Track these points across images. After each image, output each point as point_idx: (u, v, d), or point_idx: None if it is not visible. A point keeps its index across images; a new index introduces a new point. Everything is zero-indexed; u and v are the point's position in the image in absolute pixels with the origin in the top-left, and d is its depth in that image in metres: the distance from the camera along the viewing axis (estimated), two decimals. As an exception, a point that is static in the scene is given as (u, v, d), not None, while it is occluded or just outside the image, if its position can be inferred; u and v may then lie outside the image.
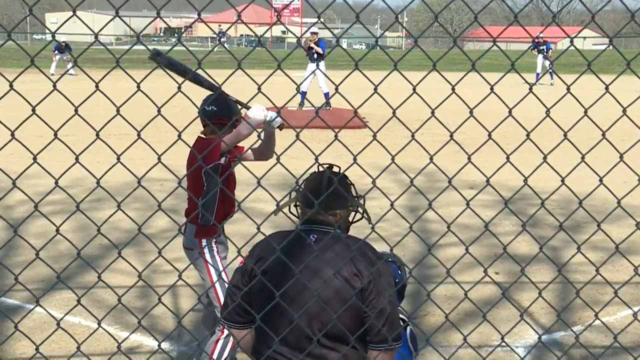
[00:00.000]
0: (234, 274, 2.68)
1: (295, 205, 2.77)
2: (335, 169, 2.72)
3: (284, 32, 74.45)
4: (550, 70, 26.62)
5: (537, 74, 27.72)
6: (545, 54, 28.20)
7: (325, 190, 2.56)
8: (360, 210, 2.73)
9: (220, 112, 4.33)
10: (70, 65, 27.83)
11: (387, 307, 2.49)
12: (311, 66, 18.79)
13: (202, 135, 4.40)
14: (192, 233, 4.34)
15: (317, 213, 2.60)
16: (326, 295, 2.45)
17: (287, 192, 2.74)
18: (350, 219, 2.75)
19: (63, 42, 29.05)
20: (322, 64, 17.97)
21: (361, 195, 2.71)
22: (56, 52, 29.42)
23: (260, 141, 4.44)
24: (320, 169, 2.60)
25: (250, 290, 2.57)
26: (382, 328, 2.47)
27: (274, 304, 2.40)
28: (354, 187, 2.72)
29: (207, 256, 4.34)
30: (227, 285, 4.44)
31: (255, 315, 2.46)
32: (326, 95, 18.12)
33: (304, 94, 18.27)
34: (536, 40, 28.55)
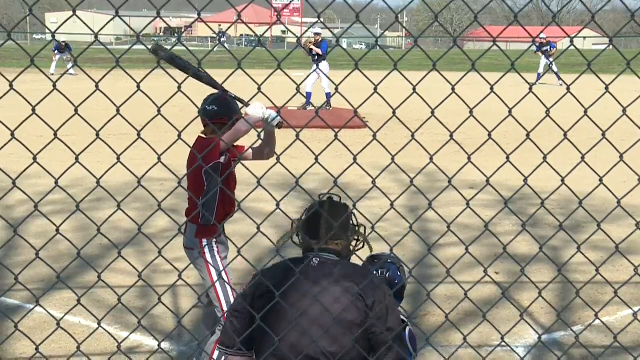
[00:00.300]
0: (236, 298, 2.69)
1: (297, 233, 2.82)
2: (336, 197, 2.78)
3: (284, 32, 74.42)
4: (555, 71, 26.41)
5: (539, 74, 27.43)
6: (548, 53, 27.76)
7: (326, 222, 2.64)
8: (362, 238, 2.80)
9: (221, 111, 4.33)
10: (70, 65, 27.76)
11: (396, 325, 2.56)
12: (314, 67, 18.75)
13: (203, 135, 4.40)
14: (193, 233, 4.34)
15: (318, 242, 2.67)
16: (329, 318, 2.48)
17: (285, 231, 2.80)
18: (353, 244, 2.81)
19: (63, 42, 29.03)
20: (324, 64, 17.89)
21: (362, 223, 2.77)
22: (56, 52, 29.40)
23: (260, 141, 4.45)
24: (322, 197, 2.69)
25: (252, 314, 2.55)
26: (393, 345, 2.51)
27: (278, 326, 2.44)
28: (355, 215, 2.76)
29: (208, 256, 4.34)
30: (227, 291, 4.48)
31: (255, 340, 2.49)
32: (327, 95, 18.07)
33: (309, 95, 18.18)
34: (538, 42, 28.25)
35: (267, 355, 2.47)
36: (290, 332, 2.47)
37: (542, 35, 28.10)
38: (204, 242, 4.35)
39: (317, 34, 18.37)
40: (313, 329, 2.47)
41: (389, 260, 3.50)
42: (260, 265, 6.49)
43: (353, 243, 2.78)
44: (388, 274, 3.49)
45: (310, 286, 2.52)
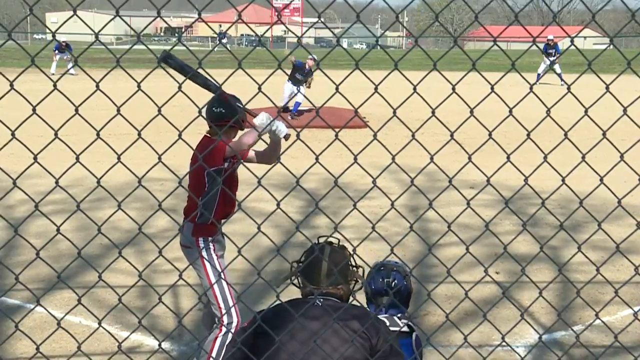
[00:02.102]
0: (237, 332, 2.74)
1: (297, 277, 2.90)
2: (334, 242, 2.87)
3: (284, 32, 74.41)
4: (558, 72, 26.06)
5: (538, 75, 26.98)
6: (554, 56, 26.81)
7: (327, 272, 2.81)
8: (360, 281, 2.94)
9: (228, 114, 4.33)
10: (70, 65, 27.72)
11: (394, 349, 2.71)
12: (291, 87, 18.03)
13: (208, 135, 4.40)
14: (190, 231, 4.34)
15: (319, 288, 2.79)
16: (337, 358, 2.57)
17: (286, 275, 2.88)
18: (352, 287, 2.95)
19: (63, 41, 28.99)
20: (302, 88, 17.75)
21: (360, 266, 2.91)
22: (56, 51, 29.38)
23: (265, 145, 4.45)
24: (321, 241, 2.78)
25: (252, 350, 2.62)
26: None
27: None
28: (353, 258, 2.83)
29: (204, 254, 4.35)
30: (224, 289, 4.50)
31: None
32: (297, 104, 17.91)
33: (297, 104, 17.93)
34: (546, 42, 27.26)
35: None
36: None
37: (549, 37, 27.32)
38: (201, 240, 4.36)
39: (312, 59, 17.94)
40: None
41: (394, 269, 3.53)
42: (260, 264, 6.49)
43: (352, 287, 2.89)
44: (394, 282, 3.51)
45: (317, 327, 2.61)
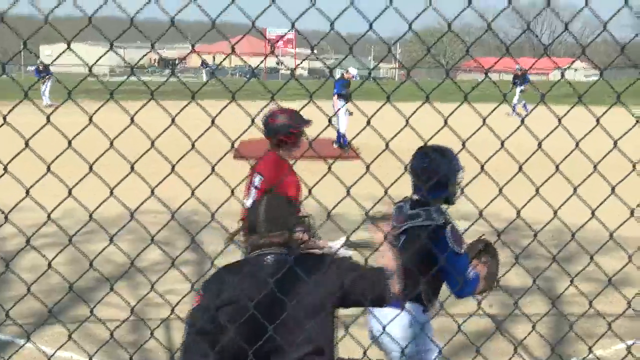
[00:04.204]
0: (192, 315, 2.57)
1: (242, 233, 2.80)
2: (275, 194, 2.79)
3: (278, 63, 74.98)
4: (514, 103, 26.01)
5: (514, 105, 26.56)
6: (521, 86, 26.72)
7: (264, 214, 2.60)
8: (305, 228, 2.79)
9: (292, 124, 4.14)
10: (45, 89, 25.07)
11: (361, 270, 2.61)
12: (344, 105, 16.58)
13: (274, 151, 4.22)
14: None
15: (261, 237, 2.62)
16: (309, 311, 2.48)
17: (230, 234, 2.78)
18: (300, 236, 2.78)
19: (41, 63, 26.27)
20: (340, 103, 16.46)
21: (306, 215, 2.76)
22: (39, 77, 25.54)
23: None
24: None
25: (219, 329, 2.48)
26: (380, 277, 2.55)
27: (256, 334, 2.39)
28: (298, 207, 2.76)
29: None
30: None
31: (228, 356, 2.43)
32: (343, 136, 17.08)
33: (342, 133, 16.82)
34: (514, 73, 27.38)
35: None
36: (276, 336, 2.42)
37: (518, 67, 27.17)
38: None
39: (352, 76, 17.10)
40: (297, 329, 2.44)
41: (435, 149, 3.43)
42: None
43: (300, 235, 2.74)
44: (432, 163, 3.41)
45: (288, 285, 2.49)
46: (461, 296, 3.38)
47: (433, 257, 3.18)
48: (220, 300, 2.49)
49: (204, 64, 62.40)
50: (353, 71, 17.51)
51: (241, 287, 2.47)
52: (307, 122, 4.11)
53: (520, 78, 26.95)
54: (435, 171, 3.44)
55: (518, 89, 26.94)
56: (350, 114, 16.08)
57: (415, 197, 3.55)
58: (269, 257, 2.60)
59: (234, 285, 2.49)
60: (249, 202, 4.10)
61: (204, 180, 3.28)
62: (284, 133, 4.23)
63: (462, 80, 57.41)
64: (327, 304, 2.53)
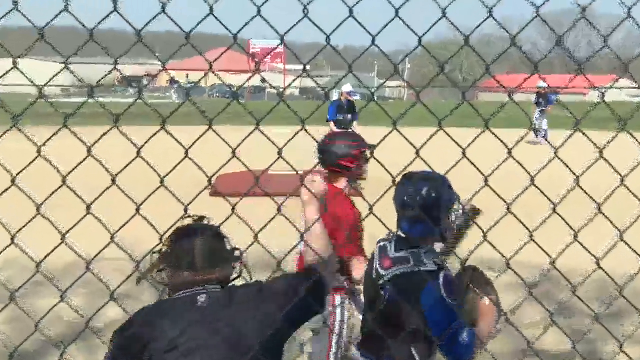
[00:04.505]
0: (112, 350, 2.66)
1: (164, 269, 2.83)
2: (209, 220, 2.82)
3: (263, 81, 74.92)
4: (542, 128, 25.88)
5: (543, 130, 26.59)
6: (543, 107, 26.82)
7: (202, 250, 2.66)
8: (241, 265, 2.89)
9: (353, 145, 4.19)
10: None
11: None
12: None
13: (336, 186, 4.27)
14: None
15: (197, 274, 2.68)
16: (253, 344, 2.58)
17: (149, 255, 2.79)
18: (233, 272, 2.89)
19: None
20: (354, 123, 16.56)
21: (239, 248, 2.86)
22: None
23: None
24: (191, 221, 2.72)
25: None
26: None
27: None
28: (231, 240, 2.80)
29: (336, 314, 4.36)
30: None
31: None
32: None
33: None
34: (538, 91, 27.26)
35: None
36: None
37: (540, 84, 27.05)
38: (336, 298, 4.36)
39: (349, 93, 16.80)
40: None
41: (424, 178, 3.39)
42: None
43: (233, 272, 2.83)
44: (421, 192, 3.37)
45: (220, 322, 2.60)
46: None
47: (425, 317, 3.16)
48: (158, 345, 2.55)
49: (173, 81, 62.47)
50: (347, 88, 17.11)
51: (180, 328, 2.54)
52: (369, 146, 4.16)
53: (544, 96, 26.97)
54: (424, 201, 3.40)
55: (538, 110, 26.89)
56: None
57: (402, 233, 3.51)
58: (203, 294, 2.67)
59: (171, 327, 2.56)
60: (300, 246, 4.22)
61: (175, 223, 3.29)
62: (345, 156, 4.26)
63: (482, 102, 57.50)
64: (272, 331, 2.64)
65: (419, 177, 3.44)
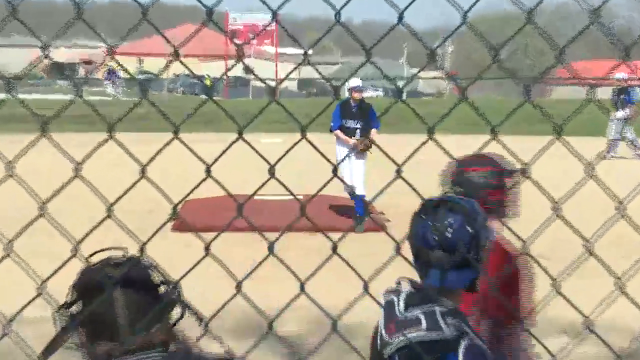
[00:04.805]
0: None
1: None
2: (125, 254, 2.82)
3: (247, 71, 74.45)
4: (631, 139, 24.96)
5: (611, 142, 24.72)
6: (622, 108, 25.48)
7: (126, 312, 2.68)
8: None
9: (496, 172, 4.28)
10: None
11: None
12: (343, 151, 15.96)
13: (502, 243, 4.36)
14: None
15: (125, 342, 2.71)
16: None
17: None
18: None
19: None
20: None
21: (168, 281, 2.81)
22: None
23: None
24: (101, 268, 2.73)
25: None
26: None
27: None
28: (163, 287, 2.81)
29: None
30: None
31: None
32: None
33: (360, 199, 16.20)
34: (614, 85, 26.24)
35: None
36: None
37: (618, 75, 25.97)
38: None
39: (355, 89, 16.20)
40: None
41: (452, 208, 3.40)
42: None
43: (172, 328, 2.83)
44: (449, 228, 3.38)
45: None
46: None
47: None
48: None
49: (110, 73, 62.55)
50: (354, 82, 16.50)
51: None
52: (516, 172, 4.22)
53: (624, 92, 25.91)
54: (458, 240, 3.43)
55: (619, 114, 25.49)
56: (366, 150, 15.42)
57: (414, 283, 3.51)
58: None
59: None
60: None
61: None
62: (488, 187, 4.32)
63: (554, 100, 57.25)
64: None
65: (446, 206, 3.45)
